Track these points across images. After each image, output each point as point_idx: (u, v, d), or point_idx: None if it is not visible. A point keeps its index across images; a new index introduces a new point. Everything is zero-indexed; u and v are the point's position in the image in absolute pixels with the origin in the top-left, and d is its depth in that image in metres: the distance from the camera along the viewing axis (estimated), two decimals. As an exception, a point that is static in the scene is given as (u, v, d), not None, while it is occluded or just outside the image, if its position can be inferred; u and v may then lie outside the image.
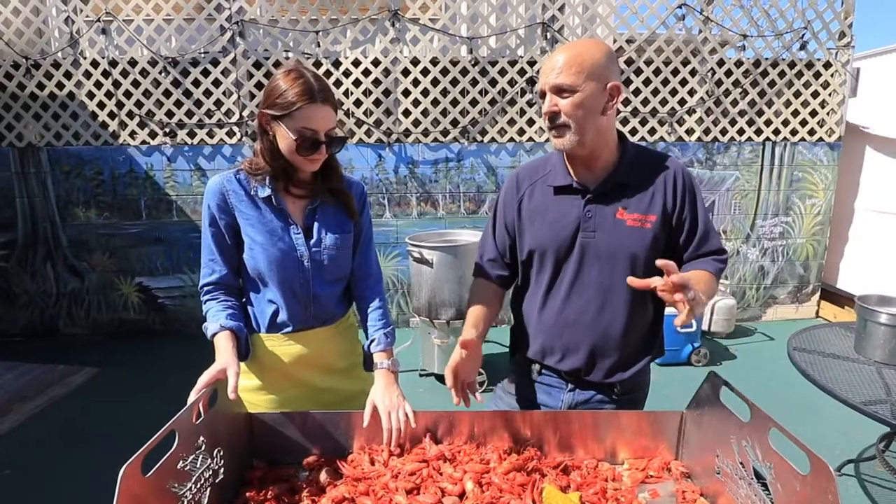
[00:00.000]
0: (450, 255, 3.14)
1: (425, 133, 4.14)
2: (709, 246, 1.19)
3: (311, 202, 1.25)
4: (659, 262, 0.94)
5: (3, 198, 4.12)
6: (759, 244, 4.45)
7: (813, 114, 4.25)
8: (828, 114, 4.25)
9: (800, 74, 4.17)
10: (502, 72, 4.06)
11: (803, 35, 4.10)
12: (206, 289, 1.23)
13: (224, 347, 1.12)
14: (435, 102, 4.08)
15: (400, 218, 4.28)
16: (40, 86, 3.95)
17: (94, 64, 3.94)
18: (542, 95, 1.12)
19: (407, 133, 4.14)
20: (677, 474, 1.06)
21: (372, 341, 1.29)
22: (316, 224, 1.24)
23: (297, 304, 1.24)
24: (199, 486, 0.90)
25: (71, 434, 2.84)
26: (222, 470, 0.98)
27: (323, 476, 1.05)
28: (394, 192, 4.24)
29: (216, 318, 1.17)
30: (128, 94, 3.98)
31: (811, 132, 4.27)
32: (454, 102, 4.10)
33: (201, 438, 0.92)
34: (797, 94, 4.21)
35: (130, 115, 4.02)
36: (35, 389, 3.36)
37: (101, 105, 3.99)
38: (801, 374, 1.91)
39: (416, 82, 4.03)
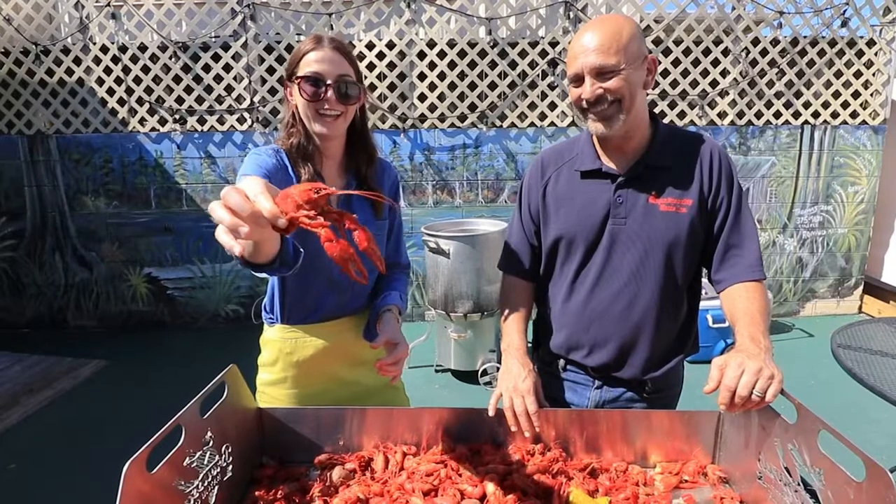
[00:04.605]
0: (467, 245, 3.04)
1: (442, 118, 3.99)
2: (740, 238, 1.10)
3: (347, 185, 1.19)
4: (706, 391, 0.90)
5: (13, 186, 4.08)
6: (797, 234, 4.20)
7: (855, 95, 4.00)
8: (871, 95, 3.99)
9: (841, 53, 3.93)
10: (522, 53, 3.89)
11: (844, 11, 3.86)
12: None
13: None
14: (452, 86, 3.93)
15: (415, 206, 4.14)
16: (49, 72, 3.90)
17: (104, 49, 3.86)
18: (576, 80, 1.04)
19: (423, 118, 3.99)
20: (714, 479, 1.00)
21: (386, 297, 1.22)
22: (354, 207, 1.18)
23: (331, 292, 1.18)
24: (206, 484, 0.87)
25: (78, 428, 2.79)
26: (230, 468, 0.94)
27: (335, 475, 1.00)
28: (409, 179, 4.10)
29: None
30: (137, 80, 3.90)
31: (853, 115, 4.02)
32: (472, 86, 3.94)
33: (209, 434, 0.89)
34: (838, 75, 3.96)
35: (140, 101, 3.94)
36: (42, 382, 3.33)
37: (111, 91, 3.92)
38: (846, 372, 1.78)
39: (432, 65, 3.89)
